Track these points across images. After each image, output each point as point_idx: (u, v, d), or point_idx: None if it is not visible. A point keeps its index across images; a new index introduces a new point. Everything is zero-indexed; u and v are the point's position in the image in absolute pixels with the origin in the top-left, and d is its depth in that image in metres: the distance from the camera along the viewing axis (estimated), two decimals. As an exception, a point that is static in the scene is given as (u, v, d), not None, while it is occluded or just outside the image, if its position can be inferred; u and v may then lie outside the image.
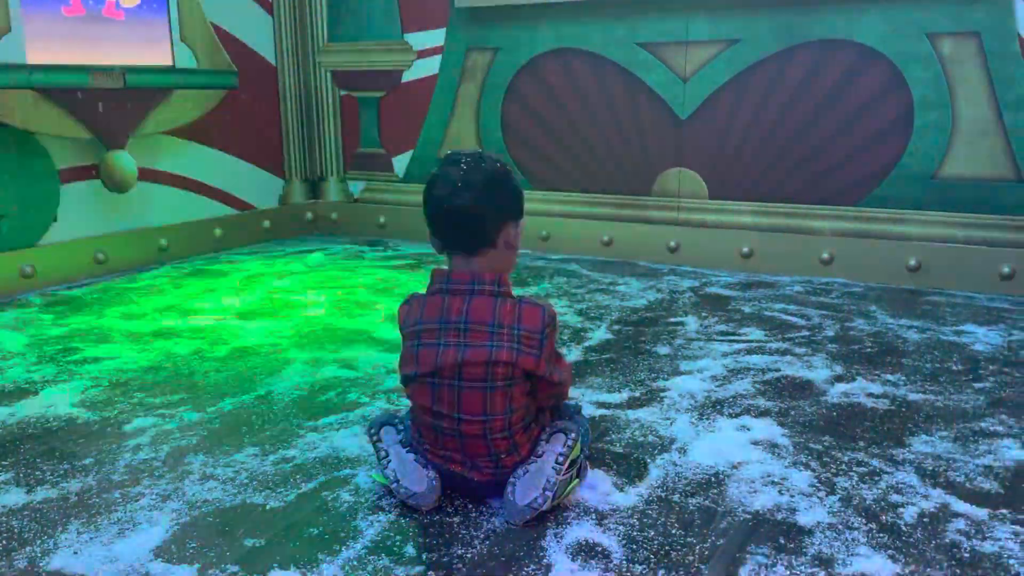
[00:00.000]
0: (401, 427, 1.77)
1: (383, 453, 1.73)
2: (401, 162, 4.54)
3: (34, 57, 3.35)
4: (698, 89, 3.76)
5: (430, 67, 4.35)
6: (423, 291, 1.71)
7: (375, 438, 1.77)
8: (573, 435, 1.67)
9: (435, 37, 4.32)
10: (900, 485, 1.75)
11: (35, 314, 3.09)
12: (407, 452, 1.71)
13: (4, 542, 1.55)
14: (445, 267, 1.69)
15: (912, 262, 3.44)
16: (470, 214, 1.60)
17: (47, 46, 3.41)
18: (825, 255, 3.59)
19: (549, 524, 1.59)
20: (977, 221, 3.35)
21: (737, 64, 3.65)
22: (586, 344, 2.70)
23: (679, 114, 3.81)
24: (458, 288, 1.63)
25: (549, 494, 1.59)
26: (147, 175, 3.88)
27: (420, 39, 4.35)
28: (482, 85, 4.23)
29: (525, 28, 4.07)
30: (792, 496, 1.70)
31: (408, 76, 4.43)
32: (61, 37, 3.46)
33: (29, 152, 3.42)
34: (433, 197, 1.63)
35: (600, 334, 2.81)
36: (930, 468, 1.82)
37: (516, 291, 1.71)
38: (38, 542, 1.55)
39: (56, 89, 3.40)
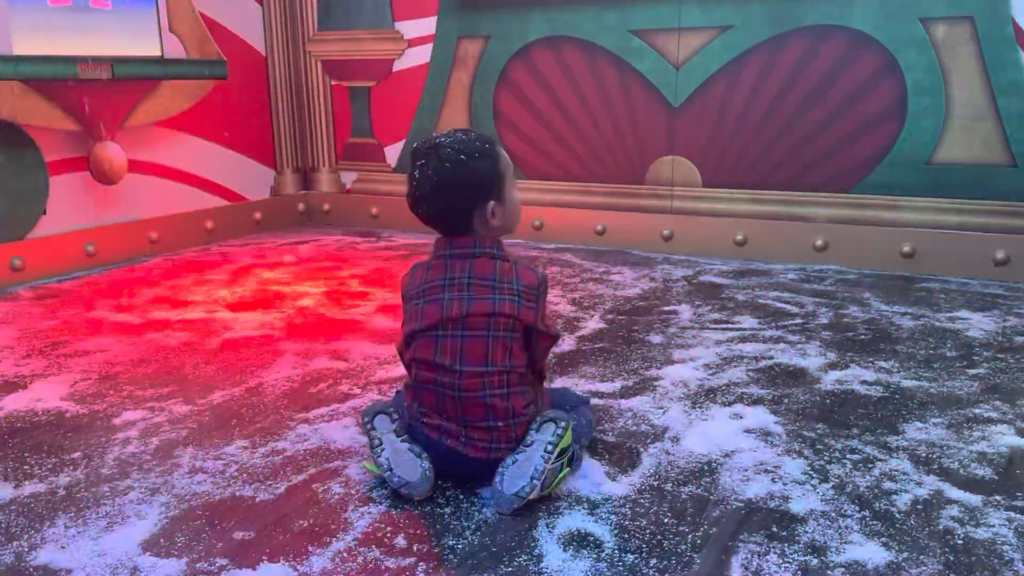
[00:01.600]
0: (396, 416, 1.77)
1: (376, 442, 1.72)
2: (393, 152, 4.52)
3: (21, 48, 3.31)
4: (691, 76, 3.74)
5: (421, 56, 4.32)
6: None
7: (369, 427, 1.76)
8: (563, 424, 1.67)
9: (426, 25, 4.28)
10: (894, 472, 1.74)
11: (25, 307, 3.07)
12: (401, 441, 1.71)
13: (-9, 537, 1.53)
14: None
15: (906, 248, 3.43)
16: (432, 215, 1.70)
17: (34, 37, 3.38)
18: (819, 242, 3.58)
19: (540, 514, 1.58)
20: (971, 207, 3.34)
21: (730, 51, 3.63)
22: (579, 333, 2.69)
23: (672, 102, 3.79)
24: (461, 252, 1.70)
25: (537, 483, 1.59)
26: (137, 167, 3.85)
27: (411, 27, 4.32)
28: (474, 73, 4.21)
29: (516, 16, 4.04)
30: (785, 484, 1.69)
31: (399, 65, 4.39)
32: (48, 28, 3.42)
33: (17, 144, 3.39)
34: (407, 195, 1.72)
35: (593, 323, 2.80)
36: (924, 455, 1.82)
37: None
38: (25, 537, 1.53)
39: (43, 80, 3.37)
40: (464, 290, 1.68)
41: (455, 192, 1.66)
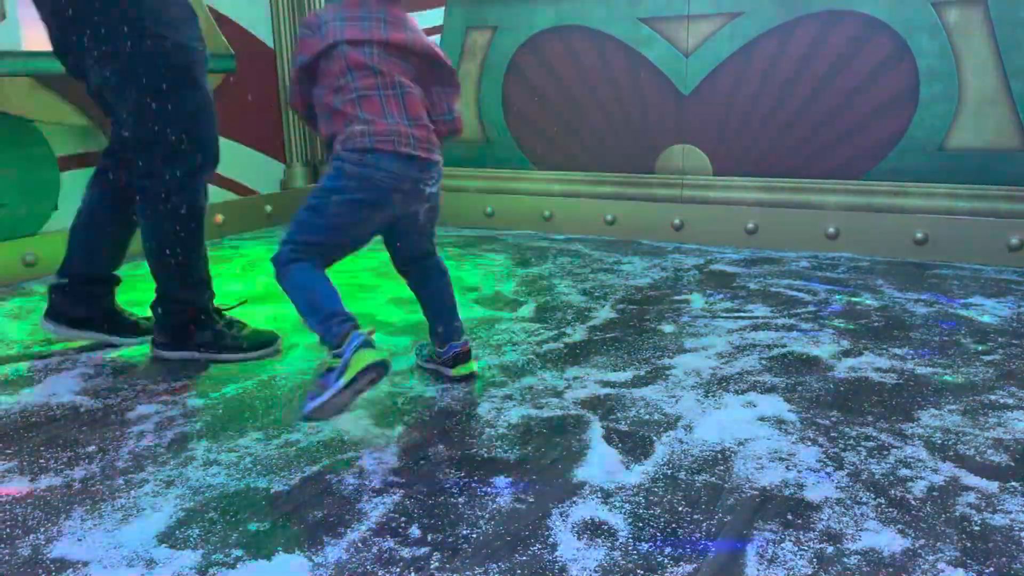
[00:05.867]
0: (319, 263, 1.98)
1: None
2: (402, 144, 4.51)
3: (31, 44, 3.32)
4: (701, 64, 3.72)
5: (429, 47, 4.31)
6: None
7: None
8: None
9: (434, 17, 4.27)
10: (909, 459, 1.73)
11: (38, 302, 3.08)
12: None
13: (7, 530, 1.54)
14: None
15: (919, 235, 3.40)
16: None
17: (43, 33, 3.38)
18: (831, 229, 3.56)
19: (554, 503, 1.58)
20: (984, 192, 3.31)
21: (740, 38, 3.61)
22: (590, 324, 2.68)
23: (682, 90, 3.77)
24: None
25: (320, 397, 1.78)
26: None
27: (419, 19, 4.31)
28: (482, 64, 4.19)
29: (524, 5, 4.02)
30: (800, 472, 1.68)
31: (407, 57, 4.38)
32: (56, 23, 3.42)
33: (27, 140, 3.40)
34: None
35: (604, 313, 2.79)
36: (939, 442, 1.81)
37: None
38: (41, 530, 1.54)
39: (53, 76, 3.37)
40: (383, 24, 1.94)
41: None
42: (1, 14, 3.23)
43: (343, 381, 1.76)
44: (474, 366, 2.23)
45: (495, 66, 4.16)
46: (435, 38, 4.29)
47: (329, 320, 1.86)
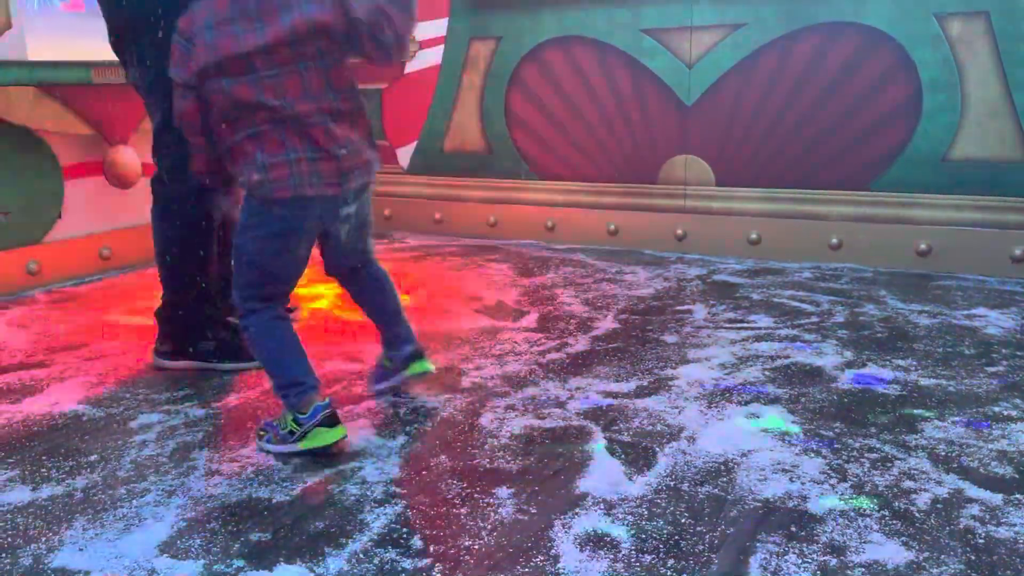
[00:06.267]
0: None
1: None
2: (405, 154, 4.52)
3: (35, 54, 3.34)
4: (703, 75, 3.72)
5: (433, 57, 4.32)
6: None
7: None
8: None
9: (437, 27, 4.28)
10: (913, 471, 1.72)
11: (41, 310, 3.08)
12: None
13: (9, 539, 1.54)
14: None
15: (922, 246, 3.40)
16: None
17: (48, 42, 3.40)
18: (834, 240, 3.56)
19: (556, 514, 1.58)
20: (988, 203, 3.31)
21: (743, 49, 3.62)
22: (593, 334, 2.68)
23: (684, 100, 3.78)
24: None
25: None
26: (151, 170, 3.86)
27: (422, 29, 4.32)
28: (485, 74, 4.20)
29: (527, 16, 4.03)
30: (803, 484, 1.68)
31: (411, 67, 4.40)
32: (61, 33, 3.45)
33: (32, 149, 3.41)
34: None
35: (607, 324, 2.79)
36: (943, 453, 1.80)
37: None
38: (43, 539, 1.54)
39: (58, 85, 3.39)
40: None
41: None
42: (7, 24, 3.24)
43: (299, 447, 1.82)
44: (428, 365, 2.17)
45: (498, 77, 4.17)
46: (438, 48, 4.31)
47: (289, 389, 1.85)
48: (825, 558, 1.42)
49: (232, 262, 1.92)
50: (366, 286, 2.14)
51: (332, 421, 1.83)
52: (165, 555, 1.48)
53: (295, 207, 1.83)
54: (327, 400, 1.85)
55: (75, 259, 3.57)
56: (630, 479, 1.72)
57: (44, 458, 1.88)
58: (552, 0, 3.95)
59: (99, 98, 3.53)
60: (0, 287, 3.31)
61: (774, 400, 2.10)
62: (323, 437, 1.81)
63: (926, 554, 1.43)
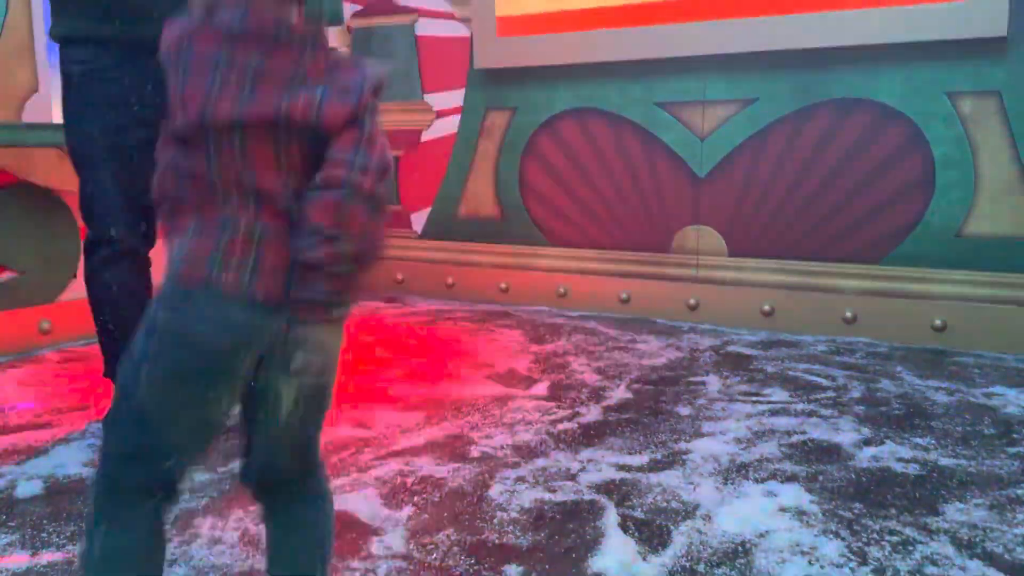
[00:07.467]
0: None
1: None
2: (419, 219, 4.56)
3: (60, 117, 3.39)
4: (716, 148, 3.76)
5: (449, 126, 4.40)
6: None
7: None
8: None
9: (454, 97, 4.37)
10: (935, 556, 1.67)
11: (50, 370, 3.08)
12: None
13: (5, 608, 1.50)
14: None
15: (938, 322, 3.37)
16: None
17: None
18: (848, 314, 3.53)
19: (568, 595, 1.53)
20: (1003, 280, 3.29)
21: (755, 123, 3.66)
22: (605, 403, 2.65)
23: (697, 172, 3.81)
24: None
25: None
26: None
27: (440, 99, 4.40)
28: (500, 143, 4.26)
29: (543, 88, 4.11)
30: (823, 567, 1.63)
31: (427, 135, 4.47)
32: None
33: (51, 210, 3.45)
34: None
35: (619, 393, 2.76)
36: (966, 537, 1.74)
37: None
38: (40, 609, 1.50)
39: (80, 147, 3.44)
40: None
41: None
42: (34, 87, 3.32)
43: None
44: None
45: (513, 145, 4.22)
46: (454, 117, 4.38)
47: None
48: (847, 648, 1.37)
49: None
50: (292, 521, 1.32)
51: None
52: (163, 628, 1.43)
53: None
54: None
55: (87, 319, 3.56)
56: (644, 559, 1.67)
57: (45, 522, 1.84)
58: (567, 74, 4.03)
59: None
60: (12, 345, 3.31)
61: (791, 477, 2.06)
62: None
63: (953, 646, 1.37)
